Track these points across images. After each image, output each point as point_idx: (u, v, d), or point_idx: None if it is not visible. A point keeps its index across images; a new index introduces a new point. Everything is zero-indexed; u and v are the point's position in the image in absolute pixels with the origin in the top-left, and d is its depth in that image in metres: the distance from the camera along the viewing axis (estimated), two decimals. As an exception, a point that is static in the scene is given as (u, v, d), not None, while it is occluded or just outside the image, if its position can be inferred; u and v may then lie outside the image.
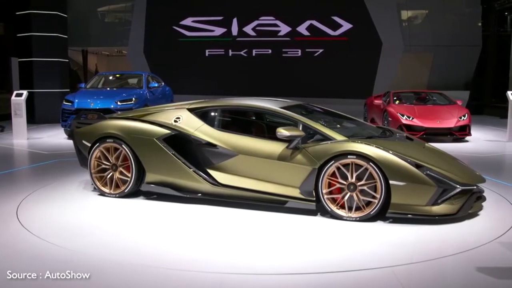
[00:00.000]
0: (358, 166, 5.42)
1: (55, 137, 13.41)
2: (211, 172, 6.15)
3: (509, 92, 13.02)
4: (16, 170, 8.92)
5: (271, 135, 6.15)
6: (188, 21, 23.35)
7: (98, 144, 6.63)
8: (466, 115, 12.87)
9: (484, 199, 5.94)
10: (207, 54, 23.52)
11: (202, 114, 6.53)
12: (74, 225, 5.40)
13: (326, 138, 5.79)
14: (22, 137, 12.87)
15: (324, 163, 5.52)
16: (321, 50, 22.99)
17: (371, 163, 5.33)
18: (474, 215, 5.68)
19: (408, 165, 5.32)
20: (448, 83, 21.84)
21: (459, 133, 12.62)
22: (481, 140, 13.13)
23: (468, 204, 5.51)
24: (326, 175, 5.53)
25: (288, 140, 5.75)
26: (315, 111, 7.10)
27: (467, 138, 13.02)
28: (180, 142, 6.34)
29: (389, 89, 17.27)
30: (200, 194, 6.20)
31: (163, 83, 15.63)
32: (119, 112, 8.71)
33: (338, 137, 5.77)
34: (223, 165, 6.11)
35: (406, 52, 22.66)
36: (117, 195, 6.52)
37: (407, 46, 22.48)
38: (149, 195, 6.57)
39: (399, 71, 22.63)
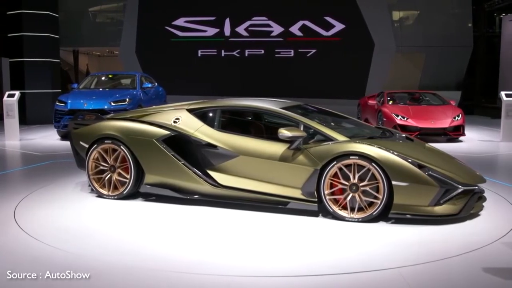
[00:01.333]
0: (361, 167, 5.40)
1: (48, 138, 13.31)
2: (211, 173, 6.11)
3: (502, 93, 13.08)
4: (11, 172, 8.82)
5: (272, 136, 6.13)
6: (180, 21, 23.26)
7: (96, 145, 6.56)
8: (460, 115, 12.93)
9: (484, 199, 5.94)
10: (199, 55, 23.45)
11: (202, 115, 6.48)
12: (73, 228, 5.33)
13: (328, 138, 5.77)
14: (15, 138, 12.77)
15: (326, 163, 5.49)
16: (313, 51, 22.99)
17: (373, 164, 5.31)
18: (475, 215, 5.68)
19: (410, 165, 5.31)
20: (439, 84, 21.91)
21: (453, 133, 12.68)
22: (475, 140, 13.19)
23: (469, 204, 5.50)
24: (328, 176, 5.50)
25: (289, 140, 5.72)
26: (315, 111, 7.08)
27: (461, 138, 13.08)
28: (179, 143, 6.30)
29: (381, 89, 17.33)
30: (200, 196, 6.15)
31: (156, 84, 15.57)
32: (112, 114, 8.63)
33: (340, 137, 5.75)
34: (223, 166, 6.07)
35: (398, 52, 22.72)
36: (116, 197, 6.46)
37: (398, 47, 22.55)
38: (148, 197, 6.51)
39: (391, 71, 22.68)
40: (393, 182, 5.26)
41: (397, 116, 12.71)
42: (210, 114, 6.50)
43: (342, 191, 5.51)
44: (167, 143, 6.27)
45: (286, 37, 22.98)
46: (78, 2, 24.29)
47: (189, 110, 6.56)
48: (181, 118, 6.47)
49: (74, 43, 24.93)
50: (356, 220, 5.42)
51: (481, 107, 23.90)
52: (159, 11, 23.13)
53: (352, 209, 5.46)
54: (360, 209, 5.44)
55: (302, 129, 5.84)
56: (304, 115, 6.34)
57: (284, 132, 5.64)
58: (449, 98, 14.58)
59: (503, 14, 27.46)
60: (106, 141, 6.51)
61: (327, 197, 5.53)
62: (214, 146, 6.11)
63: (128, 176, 6.39)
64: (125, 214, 5.92)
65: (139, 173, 6.38)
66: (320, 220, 5.57)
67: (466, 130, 13.24)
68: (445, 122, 12.61)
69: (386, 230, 5.23)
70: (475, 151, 11.14)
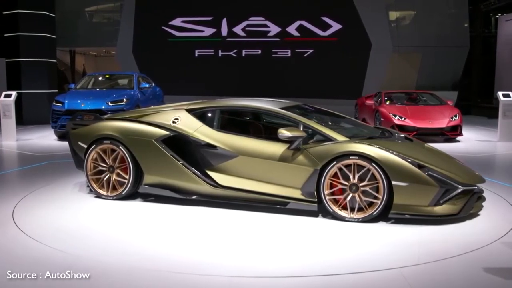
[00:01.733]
0: (360, 167, 5.40)
1: (45, 138, 13.26)
2: (211, 173, 6.09)
3: (499, 93, 13.11)
4: (8, 172, 8.78)
5: (271, 136, 6.13)
6: (177, 21, 23.24)
7: (94, 145, 6.54)
8: (458, 115, 12.95)
9: (484, 199, 5.94)
10: (196, 55, 23.43)
11: (201, 115, 6.47)
12: (72, 228, 5.31)
13: (327, 138, 5.76)
14: (12, 139, 12.73)
15: (326, 164, 5.49)
16: (311, 51, 23.00)
17: (373, 164, 5.31)
18: (475, 215, 5.68)
19: (410, 165, 5.31)
20: (436, 84, 21.96)
21: (451, 133, 12.69)
22: (472, 140, 13.21)
23: (469, 204, 5.50)
24: (328, 176, 5.50)
25: (289, 141, 5.71)
26: (313, 111, 7.07)
27: (459, 138, 13.09)
28: (179, 143, 6.28)
29: (378, 89, 17.35)
30: (199, 196, 6.13)
31: (153, 84, 15.54)
32: (109, 114, 8.60)
33: (339, 137, 5.75)
34: (223, 166, 6.06)
35: (395, 52, 22.75)
36: (114, 198, 6.44)
37: (395, 47, 22.57)
38: (147, 197, 6.49)
39: (388, 71, 22.72)
40: (393, 182, 5.26)
41: (395, 116, 12.72)
42: (209, 114, 6.48)
43: (342, 191, 5.51)
44: (166, 144, 6.25)
45: (283, 37, 22.98)
46: (74, 2, 24.24)
47: (188, 110, 6.55)
48: (180, 118, 6.45)
49: (71, 43, 24.88)
50: (356, 220, 5.41)
51: (477, 107, 23.95)
52: (156, 11, 23.11)
53: (352, 209, 5.46)
54: (360, 209, 5.44)
55: (301, 129, 5.84)
56: (303, 115, 6.33)
57: (283, 132, 5.63)
58: (446, 98, 14.61)
59: (499, 15, 27.52)
60: (104, 142, 6.49)
61: (327, 197, 5.52)
62: (214, 146, 6.10)
63: (127, 177, 6.37)
64: (124, 214, 5.91)
65: (138, 173, 6.36)
66: (320, 221, 5.56)
67: (463, 130, 13.25)
68: (443, 122, 12.63)
69: (386, 230, 5.23)
70: (473, 151, 11.16)
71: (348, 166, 5.45)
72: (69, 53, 27.21)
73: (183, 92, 20.89)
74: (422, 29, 23.07)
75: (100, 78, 14.98)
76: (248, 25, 23.01)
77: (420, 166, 5.34)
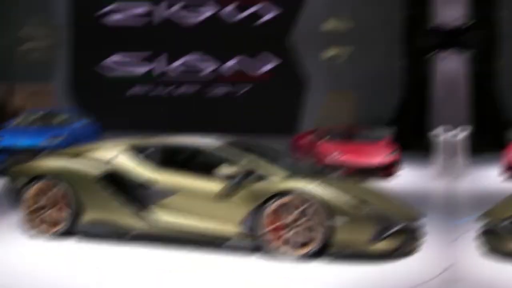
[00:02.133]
0: (300, 204, 5.43)
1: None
2: (150, 210, 6.04)
3: (436, 130, 13.41)
4: None
5: (212, 172, 6.11)
6: (113, 59, 23.14)
7: (33, 182, 6.37)
8: (394, 151, 13.13)
9: (423, 235, 6.05)
10: (132, 93, 23.29)
11: (142, 151, 6.43)
12: (15, 271, 5.19)
13: (267, 175, 5.81)
14: None
15: (266, 200, 5.52)
16: (247, 88, 23.18)
17: (313, 201, 5.37)
18: (414, 251, 5.73)
19: (350, 202, 5.41)
20: (372, 121, 22.37)
21: (388, 170, 12.75)
22: (410, 176, 13.36)
23: (408, 240, 5.63)
24: (267, 213, 5.51)
25: (229, 177, 5.73)
26: (254, 147, 7.08)
27: (396, 174, 13.20)
28: (118, 179, 6.22)
29: (315, 126, 17.52)
30: (139, 233, 6.06)
31: (91, 120, 15.46)
32: (47, 150, 8.40)
33: (279, 174, 5.82)
34: (163, 202, 6.02)
35: (330, 90, 23.17)
36: (52, 236, 6.25)
37: (331, 84, 23.01)
38: (86, 235, 6.33)
39: (323, 109, 23.04)
40: (333, 219, 5.32)
41: (331, 153, 12.65)
42: (149, 151, 6.46)
43: (281, 228, 5.51)
44: (106, 180, 6.18)
45: (219, 75, 23.10)
46: (10, 38, 23.81)
47: (128, 147, 6.50)
48: (120, 154, 6.39)
49: (6, 79, 24.30)
50: (295, 257, 5.43)
51: (414, 143, 24.49)
52: (92, 48, 22.92)
53: (292, 246, 5.47)
54: (300, 246, 5.46)
55: (242, 165, 5.88)
56: (243, 151, 6.36)
57: (224, 169, 5.69)
58: (383, 135, 14.84)
59: (435, 51, 28.41)
60: (43, 179, 6.34)
61: (267, 235, 5.52)
62: (154, 183, 6.07)
63: (66, 214, 6.23)
64: (61, 254, 5.80)
65: (77, 211, 6.22)
66: (259, 258, 5.57)
67: (400, 167, 13.42)
68: (380, 159, 12.74)
69: (326, 268, 5.27)
70: (410, 187, 11.32)
71: (288, 203, 5.49)
72: (4, 89, 26.51)
73: (122, 128, 20.57)
74: (357, 67, 23.65)
75: (37, 115, 14.74)
76: (184, 63, 23.07)
77: (359, 203, 5.44)
